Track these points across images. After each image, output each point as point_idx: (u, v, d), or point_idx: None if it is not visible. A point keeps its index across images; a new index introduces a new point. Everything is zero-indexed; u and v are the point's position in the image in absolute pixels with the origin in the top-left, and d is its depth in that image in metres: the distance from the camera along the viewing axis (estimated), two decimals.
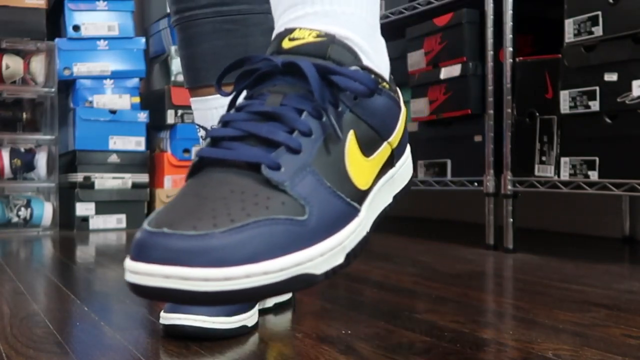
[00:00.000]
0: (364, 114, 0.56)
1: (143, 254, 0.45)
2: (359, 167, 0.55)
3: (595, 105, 1.50)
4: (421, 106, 1.98)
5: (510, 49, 1.71)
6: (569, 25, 1.56)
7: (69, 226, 2.44)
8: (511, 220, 1.70)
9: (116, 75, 2.53)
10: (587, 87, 1.51)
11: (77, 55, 2.50)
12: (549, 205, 2.19)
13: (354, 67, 0.55)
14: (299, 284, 0.47)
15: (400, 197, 0.63)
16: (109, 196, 2.46)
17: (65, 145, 2.53)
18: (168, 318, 0.82)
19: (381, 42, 0.62)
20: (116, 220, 2.47)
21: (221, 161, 0.51)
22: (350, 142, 0.54)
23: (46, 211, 2.37)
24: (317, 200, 0.50)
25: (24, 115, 2.47)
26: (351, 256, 0.52)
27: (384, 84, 0.59)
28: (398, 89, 0.63)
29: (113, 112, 2.49)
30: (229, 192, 0.48)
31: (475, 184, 1.81)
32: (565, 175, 1.58)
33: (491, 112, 1.76)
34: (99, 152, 2.46)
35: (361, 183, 0.55)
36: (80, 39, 2.50)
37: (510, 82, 1.71)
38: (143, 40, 2.59)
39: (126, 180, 2.49)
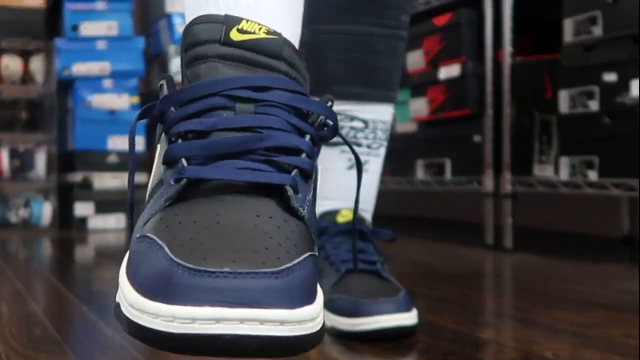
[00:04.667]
0: None
1: (192, 295, 0.37)
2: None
3: (594, 105, 1.50)
4: (420, 106, 1.98)
5: (510, 48, 1.71)
6: (568, 25, 1.56)
7: (68, 226, 2.44)
8: (510, 220, 1.70)
9: (115, 75, 2.53)
10: (586, 87, 1.51)
11: (76, 55, 2.49)
12: (548, 205, 2.19)
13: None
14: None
15: None
16: (108, 196, 2.46)
17: (64, 145, 2.53)
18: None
19: None
20: (115, 220, 2.47)
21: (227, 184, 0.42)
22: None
23: (45, 211, 2.37)
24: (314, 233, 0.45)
25: (23, 115, 2.47)
26: None
27: None
28: None
29: (112, 112, 2.48)
30: (256, 218, 0.40)
31: (475, 183, 1.81)
32: (564, 175, 1.58)
33: (490, 112, 1.76)
34: (97, 152, 2.46)
35: None
36: (80, 38, 2.50)
37: (509, 82, 1.71)
38: (142, 40, 2.58)
39: (125, 180, 2.49)
